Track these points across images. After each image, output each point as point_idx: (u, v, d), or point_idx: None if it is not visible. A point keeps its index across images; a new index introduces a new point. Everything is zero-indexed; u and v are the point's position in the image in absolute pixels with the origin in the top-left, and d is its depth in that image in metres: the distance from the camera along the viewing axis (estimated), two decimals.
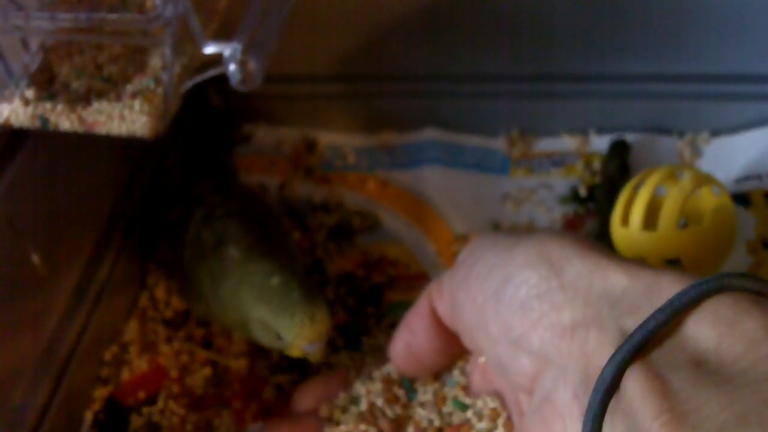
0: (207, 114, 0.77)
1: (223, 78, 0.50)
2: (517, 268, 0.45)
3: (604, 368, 0.38)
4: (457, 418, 0.51)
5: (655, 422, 0.35)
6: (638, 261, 0.43)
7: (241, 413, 0.60)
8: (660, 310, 0.37)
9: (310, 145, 0.77)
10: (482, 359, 0.51)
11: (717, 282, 0.38)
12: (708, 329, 0.36)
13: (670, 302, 0.37)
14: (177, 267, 0.63)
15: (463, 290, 0.48)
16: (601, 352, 0.39)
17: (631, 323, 0.39)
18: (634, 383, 0.36)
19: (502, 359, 0.45)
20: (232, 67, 0.47)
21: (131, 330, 0.64)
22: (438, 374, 0.54)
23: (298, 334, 0.54)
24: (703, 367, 0.35)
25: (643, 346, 0.37)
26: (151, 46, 0.52)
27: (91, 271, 0.62)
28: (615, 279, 0.41)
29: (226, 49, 0.47)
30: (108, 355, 0.62)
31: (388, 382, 0.54)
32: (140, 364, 0.62)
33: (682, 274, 0.40)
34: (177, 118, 0.52)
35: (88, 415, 0.60)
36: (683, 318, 0.37)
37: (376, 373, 0.54)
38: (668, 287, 0.39)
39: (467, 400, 0.51)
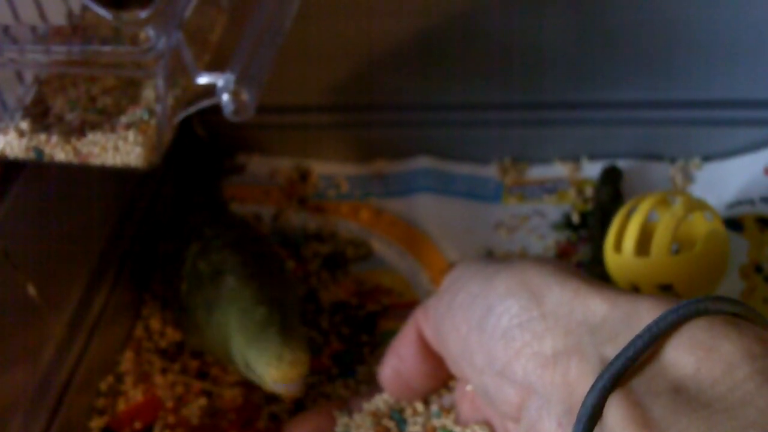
0: (194, 146, 0.77)
1: (208, 109, 0.50)
2: (498, 298, 0.45)
3: (586, 397, 0.38)
4: None
5: None
6: (617, 287, 0.43)
7: None
8: (638, 336, 0.38)
9: (304, 175, 0.77)
10: (469, 387, 0.51)
11: (694, 306, 0.38)
12: (686, 354, 0.37)
13: (648, 328, 0.38)
14: (174, 300, 0.63)
15: (447, 319, 0.48)
16: (583, 380, 0.40)
17: (611, 351, 0.39)
18: (615, 412, 0.37)
19: (488, 389, 0.45)
20: (225, 97, 0.47)
21: (126, 360, 0.64)
22: (427, 400, 0.54)
23: (265, 370, 0.53)
24: (683, 393, 0.36)
25: (623, 373, 0.38)
26: (145, 78, 0.53)
27: (86, 302, 0.62)
28: (594, 306, 0.41)
29: (219, 80, 0.47)
30: (104, 386, 0.62)
31: (377, 414, 0.54)
32: (136, 395, 0.62)
33: (660, 300, 0.40)
34: (169, 151, 0.52)
35: None
36: (662, 344, 0.38)
37: (366, 406, 0.55)
38: (646, 313, 0.39)
39: (456, 429, 0.51)
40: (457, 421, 0.52)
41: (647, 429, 0.35)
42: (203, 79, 0.48)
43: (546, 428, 0.41)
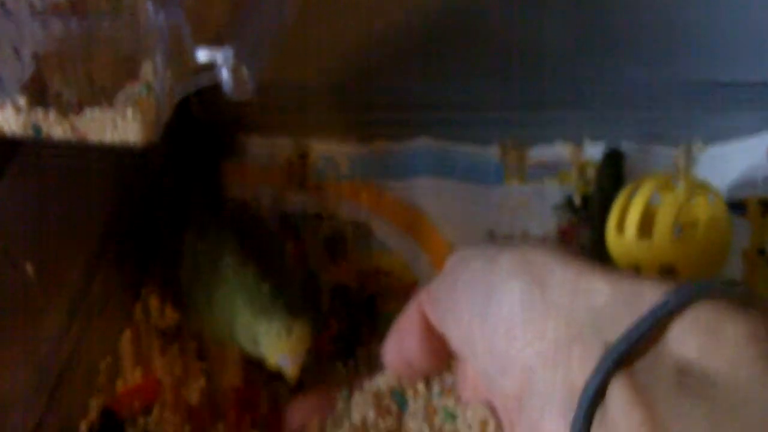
0: (192, 127, 0.77)
1: (206, 90, 0.50)
2: (500, 281, 0.45)
3: (588, 380, 0.37)
4: (447, 428, 0.51)
5: None
6: (621, 269, 0.42)
7: (235, 424, 0.60)
8: (642, 319, 0.37)
9: (303, 156, 0.76)
10: (471, 367, 0.51)
11: (698, 289, 0.37)
12: (690, 338, 0.36)
13: (652, 312, 0.37)
14: (173, 282, 0.63)
15: (450, 302, 0.48)
16: (584, 364, 0.39)
17: (614, 334, 0.39)
18: (617, 394, 0.36)
19: (489, 375, 0.45)
20: (224, 73, 0.47)
21: (126, 342, 0.64)
22: (428, 380, 0.54)
23: (273, 342, 0.53)
24: (687, 377, 0.35)
25: (626, 356, 0.37)
26: (143, 54, 0.52)
27: (85, 284, 0.61)
28: (597, 288, 0.41)
29: (218, 56, 0.47)
30: (103, 367, 0.62)
31: (378, 395, 0.54)
32: (135, 376, 0.62)
33: (664, 282, 0.39)
34: (168, 132, 0.52)
35: (83, 426, 0.59)
36: (666, 327, 0.37)
37: (367, 386, 0.54)
38: (650, 296, 0.39)
39: (457, 410, 0.51)
40: (459, 401, 0.52)
41: (650, 412, 0.35)
42: (202, 55, 0.47)
43: (548, 415, 0.41)
